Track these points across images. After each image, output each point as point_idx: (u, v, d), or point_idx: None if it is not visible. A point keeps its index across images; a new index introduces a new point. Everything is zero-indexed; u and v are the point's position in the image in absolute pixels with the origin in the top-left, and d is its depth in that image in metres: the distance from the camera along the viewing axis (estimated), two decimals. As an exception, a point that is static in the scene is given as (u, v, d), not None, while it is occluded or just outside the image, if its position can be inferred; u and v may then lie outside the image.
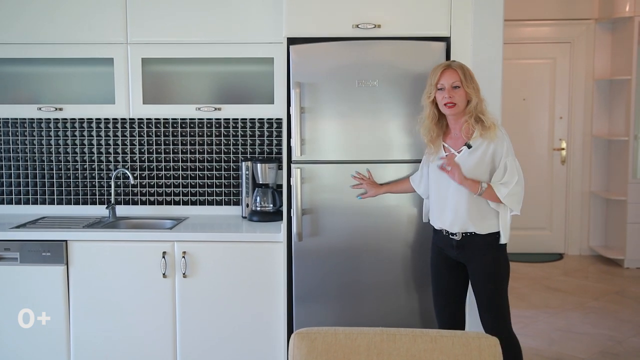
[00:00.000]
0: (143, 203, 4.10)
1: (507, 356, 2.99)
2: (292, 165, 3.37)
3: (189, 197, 4.09)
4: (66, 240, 3.53)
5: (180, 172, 4.07)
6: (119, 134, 4.05)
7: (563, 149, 6.98)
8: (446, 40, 3.33)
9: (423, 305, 3.43)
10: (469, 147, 2.95)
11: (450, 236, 3.01)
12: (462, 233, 2.98)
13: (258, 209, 3.87)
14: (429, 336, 1.98)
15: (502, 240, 2.98)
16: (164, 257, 3.51)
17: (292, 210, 3.39)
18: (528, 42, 6.96)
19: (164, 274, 3.52)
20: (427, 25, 3.33)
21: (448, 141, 3.04)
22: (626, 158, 6.44)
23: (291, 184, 3.37)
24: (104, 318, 3.56)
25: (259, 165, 3.85)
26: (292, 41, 3.37)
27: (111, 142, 4.07)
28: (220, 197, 4.09)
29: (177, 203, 4.09)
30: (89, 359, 3.59)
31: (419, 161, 3.34)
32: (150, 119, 4.02)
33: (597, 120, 6.87)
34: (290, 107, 3.33)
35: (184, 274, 3.51)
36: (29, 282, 3.53)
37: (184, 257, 3.51)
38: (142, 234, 3.58)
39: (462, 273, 3.10)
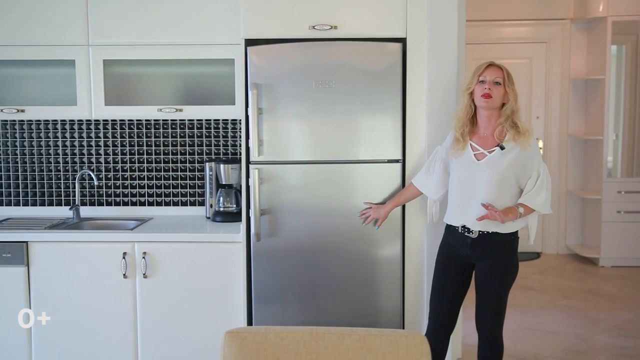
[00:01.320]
0: (109, 204, 4.11)
1: (490, 355, 3.05)
2: (250, 166, 3.39)
3: (154, 198, 4.11)
4: (27, 242, 3.54)
5: (146, 173, 4.09)
6: (84, 135, 4.07)
7: (540, 148, 7.00)
8: (402, 41, 3.36)
9: (382, 306, 3.46)
10: (502, 148, 2.96)
11: (467, 234, 3.02)
12: (480, 231, 2.99)
13: (221, 209, 3.89)
14: (358, 334, 2.00)
15: (531, 241, 3.08)
16: (124, 257, 3.53)
17: (250, 210, 3.41)
18: (505, 42, 6.99)
19: (124, 275, 3.53)
20: (383, 26, 3.36)
21: (475, 140, 3.04)
22: (601, 157, 6.47)
23: (249, 184, 3.39)
24: (65, 319, 3.57)
25: (221, 166, 3.87)
26: (251, 42, 3.39)
27: (76, 143, 4.08)
28: (186, 198, 4.11)
29: (142, 204, 4.11)
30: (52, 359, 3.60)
31: (376, 161, 3.38)
32: (115, 120, 4.03)
33: (573, 120, 6.91)
34: (248, 108, 3.35)
35: (144, 274, 3.53)
36: (-10, 283, 3.54)
37: (144, 257, 3.52)
38: (102, 234, 3.60)
39: (468, 276, 3.13)
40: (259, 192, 3.38)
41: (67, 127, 4.07)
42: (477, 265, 3.08)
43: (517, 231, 3.06)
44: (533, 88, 6.98)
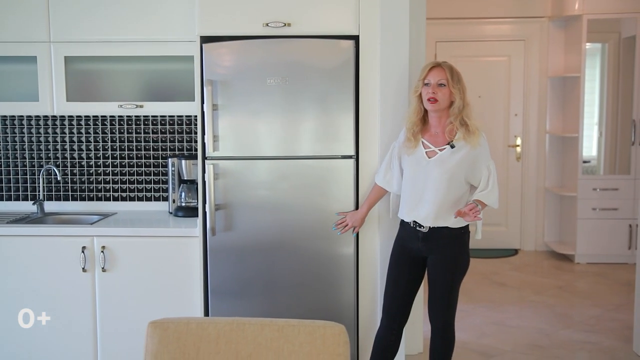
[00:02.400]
0: (74, 199, 4.16)
1: (442, 347, 3.13)
2: (206, 162, 3.44)
3: (119, 193, 4.16)
4: (-12, 236, 3.60)
5: (111, 168, 4.14)
6: (50, 130, 4.12)
7: (518, 145, 7.04)
8: (356, 38, 3.40)
9: (338, 300, 3.50)
10: (452, 147, 3.01)
11: (418, 228, 3.08)
12: (430, 226, 3.05)
13: (183, 204, 3.94)
14: (277, 325, 2.05)
15: (478, 236, 3.13)
16: (83, 251, 3.58)
17: (206, 205, 3.45)
18: (484, 40, 7.02)
19: (83, 268, 3.59)
20: (336, 24, 3.40)
21: (427, 137, 3.09)
22: (576, 154, 6.51)
23: (205, 179, 3.44)
24: (27, 309, 3.62)
25: (183, 161, 3.92)
26: (209, 39, 3.43)
27: (42, 139, 4.13)
28: (150, 193, 4.16)
29: (107, 199, 4.16)
30: (12, 353, 3.65)
31: (331, 157, 3.42)
32: (80, 116, 4.08)
33: (551, 117, 6.94)
34: (204, 105, 3.40)
35: (103, 268, 3.58)
36: (-49, 276, 3.60)
37: (102, 251, 3.57)
38: (62, 229, 3.65)
39: (420, 269, 3.19)
40: (214, 188, 3.43)
41: (33, 122, 4.12)
42: (428, 259, 3.14)
43: (467, 225, 3.11)
44: (512, 85, 7.02)
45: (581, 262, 6.50)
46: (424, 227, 3.07)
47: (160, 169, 4.13)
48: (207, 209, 3.44)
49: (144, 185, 4.15)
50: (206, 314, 3.55)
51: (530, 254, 6.98)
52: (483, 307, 5.17)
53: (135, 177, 4.14)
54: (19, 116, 4.09)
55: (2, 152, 4.14)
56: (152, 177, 4.14)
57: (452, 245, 3.09)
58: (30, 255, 3.60)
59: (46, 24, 3.72)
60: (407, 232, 3.15)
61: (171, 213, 4.00)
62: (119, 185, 4.15)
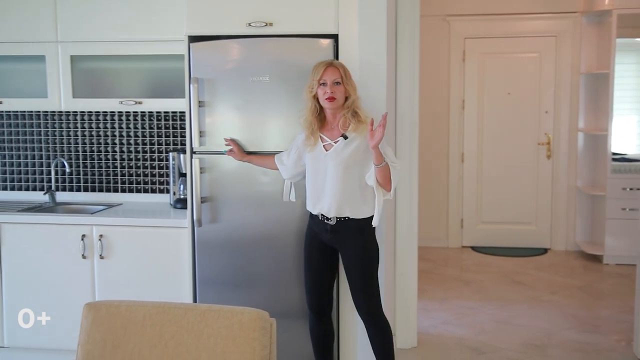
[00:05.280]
0: (85, 190, 4.41)
1: (376, 334, 3.20)
2: (193, 156, 3.60)
3: (127, 185, 4.38)
4: (-2, 222, 3.88)
5: (119, 161, 4.37)
6: (57, 125, 4.37)
7: (548, 143, 6.93)
8: (335, 37, 3.48)
9: (317, 290, 3.59)
10: (345, 138, 3.13)
11: (326, 221, 3.19)
12: (337, 218, 3.16)
13: (182, 196, 4.12)
14: (199, 310, 2.17)
15: (374, 223, 3.16)
16: (82, 239, 3.81)
17: (192, 197, 3.62)
18: (514, 36, 6.94)
19: (83, 255, 3.82)
20: (316, 23, 3.48)
21: (325, 133, 3.21)
22: (605, 153, 6.37)
23: (192, 172, 3.60)
24: (33, 293, 3.89)
25: (181, 155, 4.10)
26: (198, 39, 3.59)
27: (50, 133, 4.39)
28: (155, 186, 4.37)
29: (115, 190, 4.39)
30: (21, 334, 3.92)
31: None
32: (84, 111, 4.32)
33: (583, 115, 6.80)
34: (191, 101, 3.56)
35: (100, 255, 3.81)
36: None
37: (100, 240, 3.79)
38: (63, 217, 3.90)
39: (334, 257, 3.29)
40: (199, 181, 3.58)
41: (42, 117, 4.38)
42: (340, 253, 3.24)
43: (372, 216, 3.17)
44: (542, 82, 6.91)
45: (610, 263, 6.36)
46: (330, 219, 3.17)
47: (164, 162, 4.33)
48: (193, 201, 3.60)
49: (149, 177, 4.36)
50: (194, 301, 3.71)
51: (559, 254, 6.86)
52: (492, 305, 5.15)
53: (142, 169, 4.35)
54: (29, 112, 4.37)
55: (15, 145, 4.43)
56: (156, 170, 4.34)
57: (359, 237, 3.18)
58: (36, 242, 3.87)
59: (54, 25, 3.97)
60: (316, 224, 3.25)
61: (172, 205, 4.19)
62: (127, 177, 4.37)
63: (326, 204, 3.17)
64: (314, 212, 3.25)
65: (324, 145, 3.19)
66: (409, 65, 4.10)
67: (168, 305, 2.21)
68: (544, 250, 6.97)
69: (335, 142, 3.16)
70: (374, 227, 3.20)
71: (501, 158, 7.03)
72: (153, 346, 2.15)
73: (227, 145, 3.49)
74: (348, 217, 3.15)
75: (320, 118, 3.23)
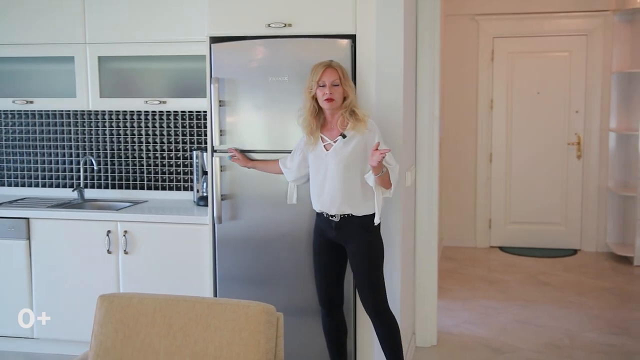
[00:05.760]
0: (113, 187, 4.54)
1: (383, 330, 3.24)
2: (214, 154, 3.67)
3: (152, 183, 4.49)
4: (28, 218, 4.01)
5: (145, 159, 4.48)
6: (92, 124, 4.50)
7: (579, 143, 6.85)
8: (352, 37, 3.52)
9: (335, 288, 3.63)
10: (344, 137, 3.18)
11: (330, 218, 3.25)
12: (340, 215, 3.21)
13: (205, 194, 4.20)
14: (207, 303, 2.24)
15: (376, 221, 3.20)
16: (108, 235, 3.92)
17: (212, 195, 3.69)
18: (544, 35, 6.88)
19: (108, 250, 3.93)
20: (334, 24, 3.53)
21: (325, 133, 3.27)
22: (637, 153, 6.27)
23: (212, 170, 3.68)
24: (60, 287, 4.02)
25: (205, 154, 4.17)
26: (219, 40, 3.66)
27: (85, 132, 4.52)
28: (180, 183, 4.47)
29: (141, 188, 4.51)
30: (49, 326, 4.05)
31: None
32: (117, 111, 4.44)
33: (615, 114, 6.71)
34: (211, 101, 3.63)
35: (125, 250, 3.91)
36: (-2, 253, 4.06)
37: (124, 235, 3.90)
38: (90, 214, 4.02)
39: (341, 254, 3.33)
40: (220, 179, 3.66)
41: (78, 116, 4.51)
42: (346, 249, 3.28)
43: (373, 214, 3.22)
44: (572, 82, 6.83)
45: (640, 265, 6.27)
46: (335, 216, 3.23)
47: (188, 160, 4.42)
48: (214, 199, 3.68)
49: (174, 175, 4.46)
50: (215, 296, 3.79)
51: (589, 255, 6.78)
52: (516, 305, 5.13)
53: (167, 167, 4.46)
54: (59, 111, 4.51)
55: (46, 143, 4.57)
56: (181, 168, 4.44)
57: (363, 234, 3.23)
58: (64, 236, 4.00)
59: (82, 28, 4.10)
60: (322, 222, 3.31)
61: (195, 202, 4.28)
62: (152, 175, 4.48)
63: (327, 201, 3.23)
64: (318, 210, 3.31)
65: (324, 145, 3.25)
66: (429, 64, 4.12)
67: (177, 297, 2.29)
68: (574, 252, 6.90)
69: (334, 142, 3.22)
70: (378, 225, 3.23)
71: (530, 158, 6.98)
72: (162, 337, 2.22)
73: (230, 154, 3.58)
74: (351, 214, 3.21)
75: (319, 118, 3.29)
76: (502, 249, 7.02)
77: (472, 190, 7.12)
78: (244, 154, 3.59)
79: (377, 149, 2.99)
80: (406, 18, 3.58)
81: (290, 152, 3.51)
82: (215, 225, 3.71)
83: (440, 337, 4.39)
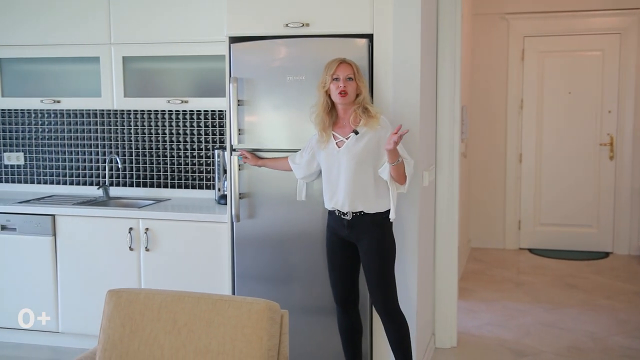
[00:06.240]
0: (137, 185, 4.61)
1: (392, 329, 3.24)
2: (233, 153, 3.71)
3: (175, 181, 4.56)
4: (54, 215, 4.11)
5: (168, 158, 4.54)
6: (118, 123, 4.59)
7: (611, 144, 6.72)
8: (370, 37, 3.52)
9: (351, 287, 3.64)
10: (356, 133, 3.19)
11: (342, 216, 3.25)
12: (353, 213, 3.21)
13: (225, 192, 4.24)
14: (211, 299, 2.27)
15: (392, 217, 3.21)
16: (129, 232, 3.99)
17: (231, 193, 3.73)
18: (575, 34, 6.76)
19: (130, 247, 4.00)
20: (351, 23, 3.53)
21: (337, 130, 3.27)
22: (670, 154, 6.14)
23: (231, 169, 3.71)
24: (85, 282, 4.10)
25: (225, 152, 4.22)
26: (238, 40, 3.70)
27: (111, 130, 4.61)
28: (203, 182, 4.52)
29: (165, 186, 4.57)
30: (74, 318, 4.15)
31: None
32: (142, 110, 4.52)
33: (650, 115, 6.58)
34: (230, 100, 3.67)
35: (146, 247, 3.98)
36: (24, 248, 4.15)
37: (146, 233, 3.97)
38: (112, 211, 4.09)
39: (354, 252, 3.32)
40: (238, 177, 3.69)
41: (105, 116, 4.60)
42: (358, 247, 3.28)
43: (388, 211, 3.22)
44: (605, 81, 6.70)
45: (675, 269, 6.13)
46: (347, 214, 3.23)
47: (211, 159, 4.47)
48: (232, 197, 3.71)
49: (197, 174, 4.52)
50: (233, 293, 3.82)
51: (622, 258, 6.65)
52: (541, 307, 5.06)
53: (190, 166, 4.51)
54: (86, 110, 4.61)
55: (73, 142, 4.67)
56: (203, 167, 4.49)
57: (375, 232, 3.22)
58: (88, 233, 4.08)
59: (107, 28, 4.18)
60: (335, 220, 3.31)
61: (216, 201, 4.33)
62: (175, 173, 4.54)
63: (340, 199, 3.23)
64: (330, 208, 3.31)
65: (336, 143, 3.25)
66: (450, 64, 4.09)
67: (182, 294, 2.32)
68: (605, 254, 6.77)
69: (346, 139, 3.22)
70: (391, 222, 3.24)
71: (561, 159, 6.87)
72: (167, 332, 2.26)
73: (240, 155, 3.62)
74: (363, 212, 3.21)
75: (331, 115, 3.29)
76: (531, 251, 6.93)
77: (501, 191, 7.04)
78: (253, 154, 3.62)
79: (396, 133, 2.99)
80: (424, 17, 3.57)
81: (303, 151, 3.53)
82: (234, 223, 3.75)
83: (461, 339, 4.35)
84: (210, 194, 4.50)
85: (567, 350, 4.20)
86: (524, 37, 6.84)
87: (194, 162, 4.51)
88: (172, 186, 4.56)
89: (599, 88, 6.72)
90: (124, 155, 4.60)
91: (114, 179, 4.63)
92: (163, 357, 2.24)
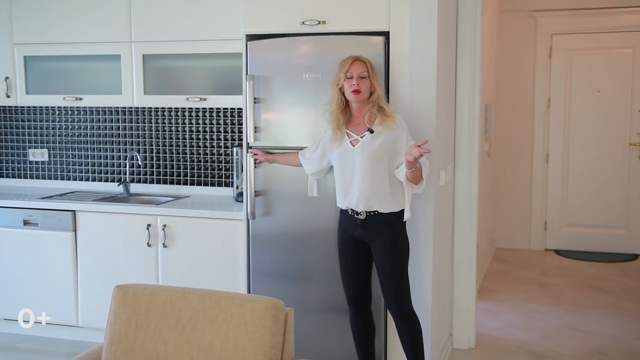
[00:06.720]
0: (158, 182, 4.66)
1: (405, 330, 3.21)
2: (249, 150, 3.72)
3: (195, 178, 4.59)
4: (74, 211, 4.17)
5: (188, 155, 4.57)
6: (139, 120, 4.63)
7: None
8: (386, 34, 3.49)
9: (366, 286, 3.62)
10: (372, 132, 3.15)
11: (356, 216, 3.22)
12: (367, 212, 3.18)
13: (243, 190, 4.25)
14: (215, 296, 2.27)
15: (406, 217, 3.18)
16: (148, 228, 4.02)
17: (247, 191, 3.73)
18: (605, 32, 6.63)
19: (148, 243, 4.04)
20: (367, 21, 3.51)
21: (351, 128, 3.24)
22: (701, 154, 5.99)
23: (247, 167, 3.72)
24: (104, 277, 4.15)
25: (242, 150, 4.22)
26: (254, 37, 3.70)
27: (132, 127, 4.66)
28: (221, 179, 4.54)
29: (185, 183, 4.61)
30: (93, 312, 4.20)
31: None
32: (163, 107, 4.55)
33: (681, 114, 6.43)
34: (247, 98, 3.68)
35: (164, 244, 4.01)
36: (46, 243, 4.22)
37: (163, 229, 4.00)
38: (131, 207, 4.13)
39: (366, 251, 3.29)
40: (254, 175, 3.69)
41: (126, 113, 4.65)
42: (371, 247, 3.24)
43: (401, 210, 3.19)
44: (635, 79, 6.57)
45: None
46: (360, 214, 3.19)
47: (230, 157, 4.49)
48: (247, 195, 3.71)
49: (215, 171, 4.54)
50: (248, 291, 3.83)
51: (651, 260, 6.52)
52: (565, 309, 4.98)
53: (209, 163, 4.54)
54: (108, 107, 4.67)
55: (95, 139, 4.73)
56: (222, 164, 4.51)
57: (388, 231, 3.18)
58: (108, 229, 4.13)
59: (128, 27, 4.22)
60: (347, 220, 3.27)
61: (234, 198, 4.34)
62: (195, 170, 4.57)
63: (354, 198, 3.20)
64: (344, 207, 3.28)
65: (350, 141, 3.21)
66: (470, 62, 4.04)
67: (187, 290, 2.33)
68: (634, 257, 6.63)
69: (361, 137, 3.19)
70: (405, 222, 3.21)
71: (588, 159, 6.74)
72: (171, 328, 2.26)
73: (253, 154, 3.62)
74: (377, 212, 3.17)
75: (345, 113, 3.26)
76: (557, 252, 6.82)
77: (527, 191, 6.94)
78: (264, 151, 3.62)
79: (419, 146, 2.95)
80: (442, 15, 3.53)
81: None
82: (249, 220, 3.75)
83: (480, 340, 4.30)
84: (229, 192, 4.51)
85: (588, 354, 4.13)
86: (552, 35, 6.73)
87: (213, 159, 4.54)
88: (192, 183, 4.59)
89: (629, 86, 6.59)
90: (144, 152, 4.64)
91: (134, 176, 4.68)
92: (167, 353, 2.25)
